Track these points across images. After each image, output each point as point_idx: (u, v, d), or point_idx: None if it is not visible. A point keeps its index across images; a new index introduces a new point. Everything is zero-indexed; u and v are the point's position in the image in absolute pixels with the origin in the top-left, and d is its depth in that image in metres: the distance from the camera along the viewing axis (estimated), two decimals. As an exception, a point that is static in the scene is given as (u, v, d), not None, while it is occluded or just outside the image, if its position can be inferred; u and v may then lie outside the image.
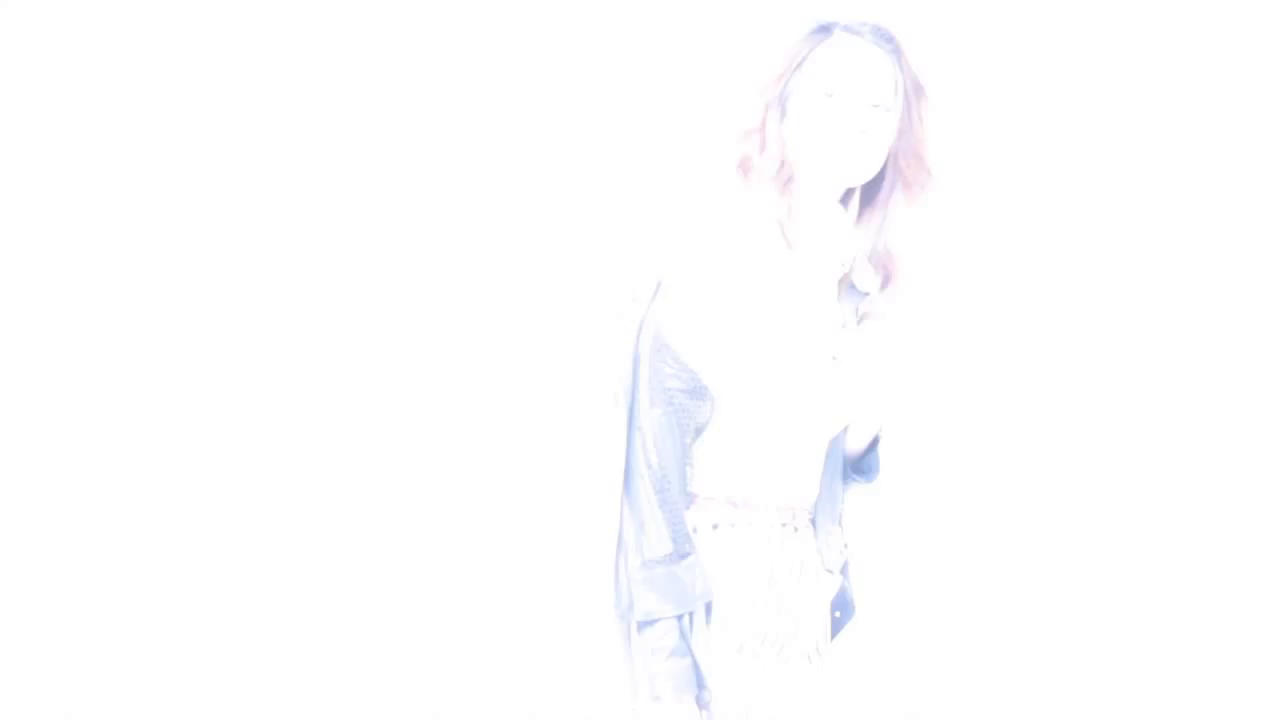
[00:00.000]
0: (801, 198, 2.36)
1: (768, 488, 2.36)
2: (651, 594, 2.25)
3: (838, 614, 2.51)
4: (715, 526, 2.34)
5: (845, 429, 2.46)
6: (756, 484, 2.35)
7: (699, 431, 2.32)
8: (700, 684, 2.27)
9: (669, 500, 2.29)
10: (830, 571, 2.47)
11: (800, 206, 2.35)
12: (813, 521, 2.44)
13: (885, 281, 2.44)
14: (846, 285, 2.44)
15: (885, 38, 2.35)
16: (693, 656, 2.27)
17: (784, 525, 2.38)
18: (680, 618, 2.26)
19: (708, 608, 2.30)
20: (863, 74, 2.32)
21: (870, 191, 2.42)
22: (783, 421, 2.33)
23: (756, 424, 2.32)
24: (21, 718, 3.66)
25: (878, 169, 2.37)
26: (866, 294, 2.44)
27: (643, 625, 2.26)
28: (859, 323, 2.45)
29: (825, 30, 2.36)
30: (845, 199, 2.44)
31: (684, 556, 2.28)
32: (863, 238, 2.42)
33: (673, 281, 2.32)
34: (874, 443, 2.52)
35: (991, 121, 4.42)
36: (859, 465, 2.52)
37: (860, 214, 2.44)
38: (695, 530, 2.33)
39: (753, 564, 2.34)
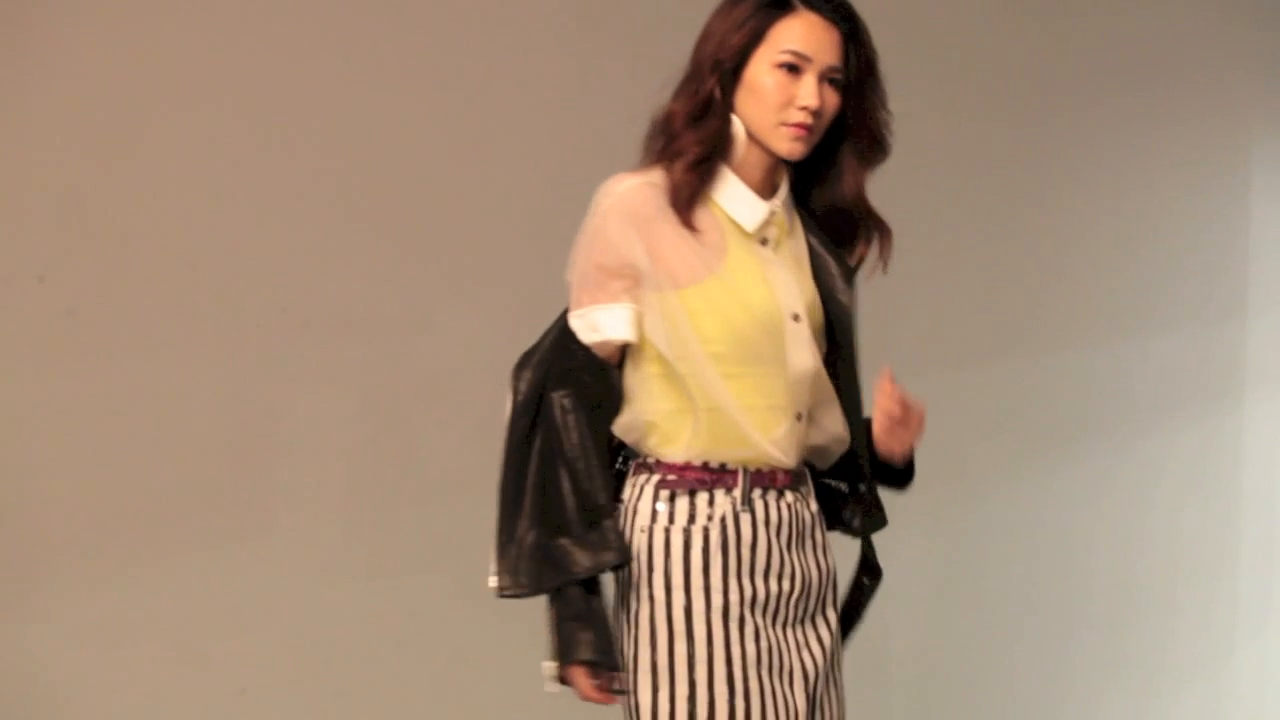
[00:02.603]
0: (726, 171, 2.39)
1: (744, 452, 2.37)
2: (547, 565, 2.36)
3: (866, 580, 2.54)
4: (693, 492, 2.36)
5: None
6: (731, 449, 2.36)
7: (612, 405, 2.40)
8: (607, 650, 2.34)
9: (580, 476, 2.37)
10: (848, 533, 2.49)
11: (722, 179, 2.38)
12: (802, 480, 2.44)
13: (863, 240, 2.46)
14: (822, 247, 2.46)
15: (844, 15, 2.37)
16: (600, 624, 2.35)
17: (767, 489, 2.39)
18: (588, 586, 2.36)
19: (681, 578, 2.33)
20: (821, 50, 2.34)
21: (826, 156, 2.44)
22: (747, 382, 2.36)
23: (717, 388, 2.34)
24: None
25: (817, 141, 2.39)
26: (846, 255, 2.46)
27: (553, 594, 2.36)
28: (849, 280, 2.46)
29: (784, 4, 2.36)
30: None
31: (591, 527, 2.36)
32: (825, 198, 2.45)
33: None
34: (908, 461, 2.53)
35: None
36: (891, 478, 2.53)
37: (822, 175, 2.46)
38: (674, 498, 2.36)
39: (734, 530, 2.36)
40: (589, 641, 2.34)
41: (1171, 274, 4.99)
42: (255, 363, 3.84)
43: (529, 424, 2.40)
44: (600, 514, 2.37)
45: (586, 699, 2.39)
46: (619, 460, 2.48)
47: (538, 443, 2.39)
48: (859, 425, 2.45)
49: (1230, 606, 5.03)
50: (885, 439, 2.44)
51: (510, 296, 4.03)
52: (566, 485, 2.38)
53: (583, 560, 2.35)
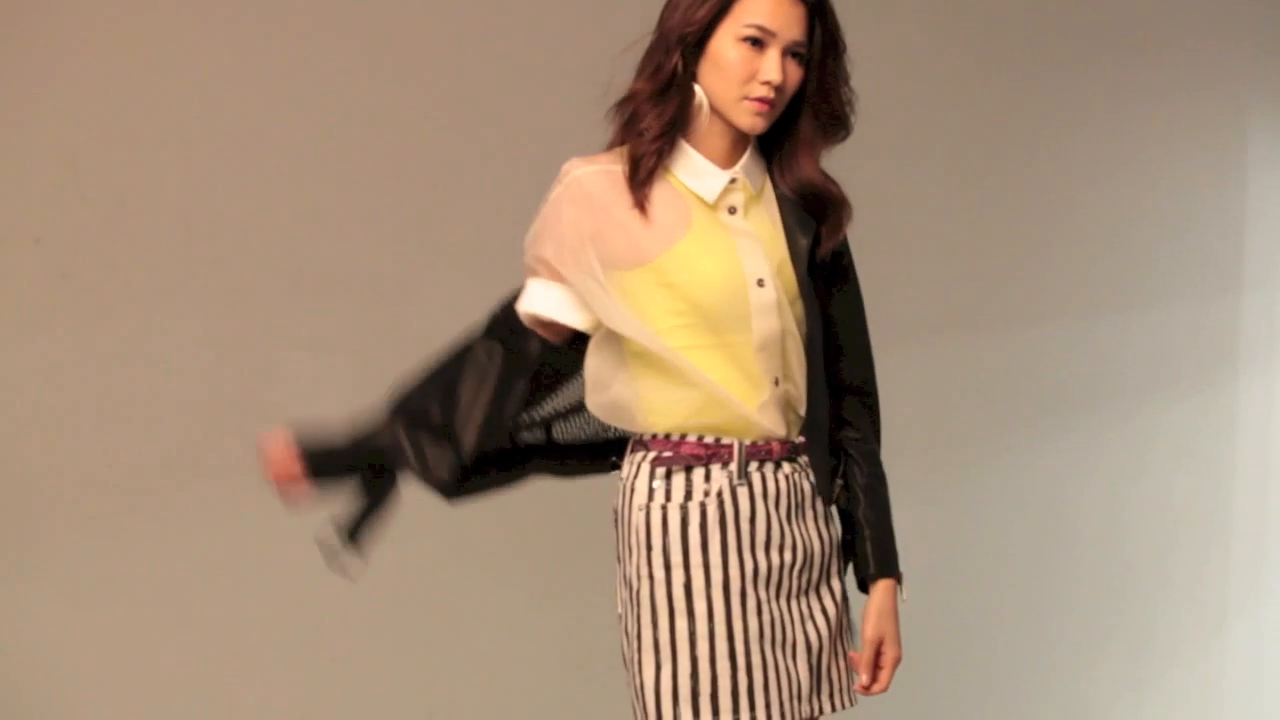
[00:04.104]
0: (684, 145, 2.40)
1: (732, 423, 2.37)
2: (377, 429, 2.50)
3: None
4: (689, 469, 2.36)
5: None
6: (720, 421, 2.36)
7: (525, 374, 2.48)
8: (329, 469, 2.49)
9: (460, 403, 2.49)
10: (828, 501, 2.47)
11: (681, 153, 2.39)
12: (802, 450, 2.44)
13: (823, 214, 2.45)
14: (792, 217, 2.45)
15: None
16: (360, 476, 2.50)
17: (764, 462, 2.39)
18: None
19: (680, 556, 2.33)
20: (786, 24, 2.34)
21: (785, 131, 2.44)
22: (721, 353, 2.36)
23: (688, 364, 2.35)
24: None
25: (779, 115, 2.39)
26: (812, 227, 2.45)
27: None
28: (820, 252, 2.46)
29: None
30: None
31: (436, 438, 2.48)
32: (784, 170, 2.45)
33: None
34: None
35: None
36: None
37: (782, 147, 2.45)
38: (669, 475, 2.36)
39: (732, 505, 2.35)
40: (334, 459, 2.48)
41: (1167, 246, 4.99)
42: (249, 326, 3.84)
43: (474, 337, 2.52)
44: (446, 434, 2.47)
45: (264, 458, 2.48)
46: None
47: (470, 354, 2.50)
48: (816, 394, 2.43)
49: (1222, 580, 5.05)
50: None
51: (503, 261, 4.01)
52: (444, 396, 2.49)
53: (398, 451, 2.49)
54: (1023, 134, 4.79)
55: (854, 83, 2.44)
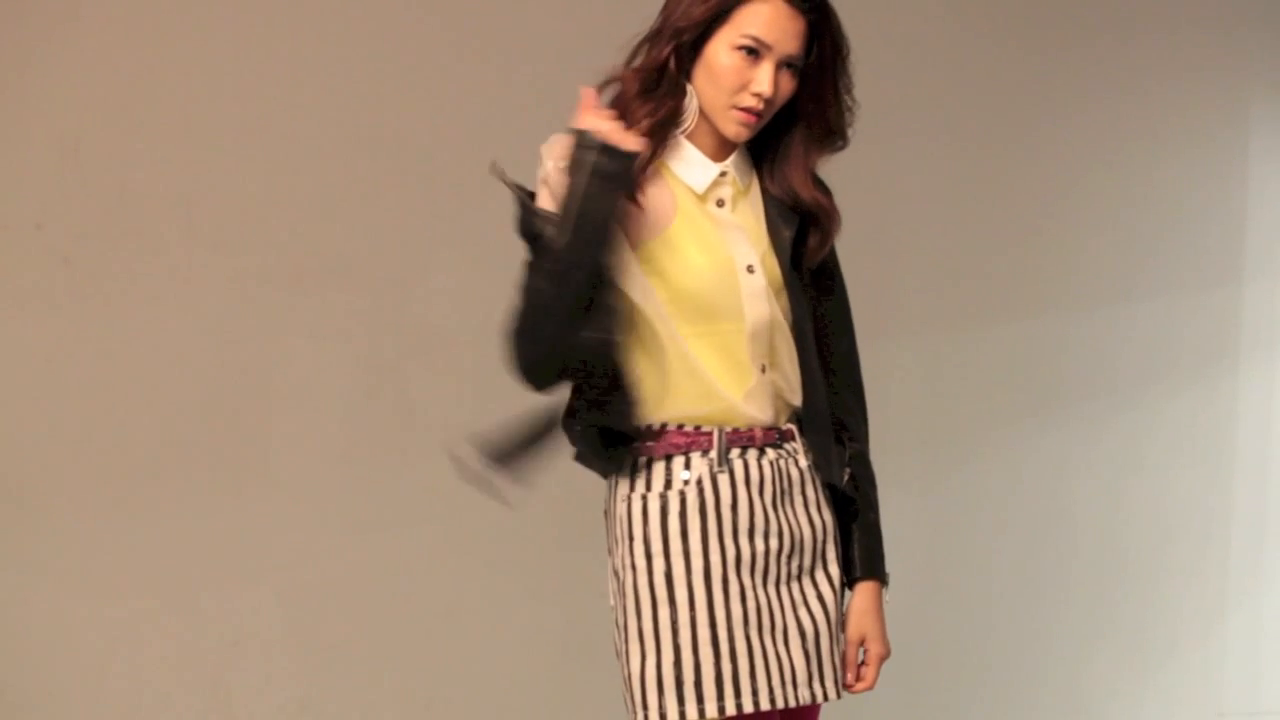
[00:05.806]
0: (679, 137, 2.40)
1: (716, 411, 2.38)
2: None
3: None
4: (669, 457, 2.37)
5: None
6: (703, 409, 2.37)
7: None
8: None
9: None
10: (835, 486, 2.47)
11: (674, 144, 2.40)
12: (790, 437, 2.45)
13: (813, 222, 2.45)
14: (775, 210, 2.45)
15: (813, 4, 2.36)
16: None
17: (746, 448, 2.39)
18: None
19: (660, 544, 2.33)
20: (783, 38, 2.34)
21: (777, 138, 2.45)
22: (710, 340, 2.37)
23: (676, 341, 2.35)
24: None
25: (764, 125, 2.40)
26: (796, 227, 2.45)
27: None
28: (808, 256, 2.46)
29: None
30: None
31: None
32: (772, 178, 2.45)
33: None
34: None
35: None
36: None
37: (768, 154, 2.46)
38: (650, 464, 2.36)
39: (712, 492, 2.36)
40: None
41: (1167, 236, 4.98)
42: (250, 313, 3.85)
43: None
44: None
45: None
46: None
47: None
48: (812, 381, 2.45)
49: (1221, 571, 5.04)
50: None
51: (505, 250, 4.02)
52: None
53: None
54: (1019, 122, 4.77)
55: (848, 68, 2.43)
